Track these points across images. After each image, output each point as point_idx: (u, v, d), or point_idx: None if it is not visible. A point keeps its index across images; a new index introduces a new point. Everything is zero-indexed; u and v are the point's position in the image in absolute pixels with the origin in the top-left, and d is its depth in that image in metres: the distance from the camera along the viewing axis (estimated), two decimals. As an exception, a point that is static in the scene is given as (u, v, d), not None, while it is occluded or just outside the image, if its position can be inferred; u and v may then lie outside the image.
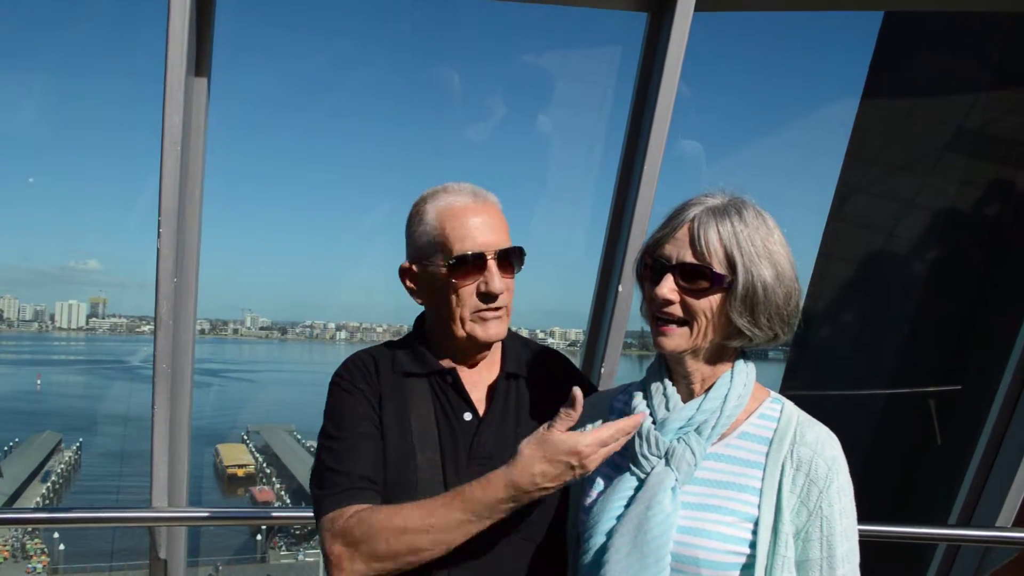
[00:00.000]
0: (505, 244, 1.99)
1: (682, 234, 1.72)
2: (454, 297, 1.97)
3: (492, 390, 2.04)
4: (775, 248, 1.72)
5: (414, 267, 2.04)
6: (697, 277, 1.70)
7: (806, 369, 6.60)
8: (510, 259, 2.00)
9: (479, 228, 1.96)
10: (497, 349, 2.10)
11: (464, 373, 2.04)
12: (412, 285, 2.07)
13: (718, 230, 1.69)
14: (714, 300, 1.70)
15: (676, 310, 1.72)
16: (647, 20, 3.69)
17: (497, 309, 1.98)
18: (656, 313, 1.75)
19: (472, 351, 2.04)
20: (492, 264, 1.95)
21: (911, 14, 6.10)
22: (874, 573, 1.75)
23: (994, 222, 5.83)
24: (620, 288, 3.74)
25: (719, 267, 1.69)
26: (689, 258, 1.70)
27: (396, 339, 2.16)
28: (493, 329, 1.98)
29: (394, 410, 1.98)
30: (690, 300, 1.71)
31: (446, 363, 2.04)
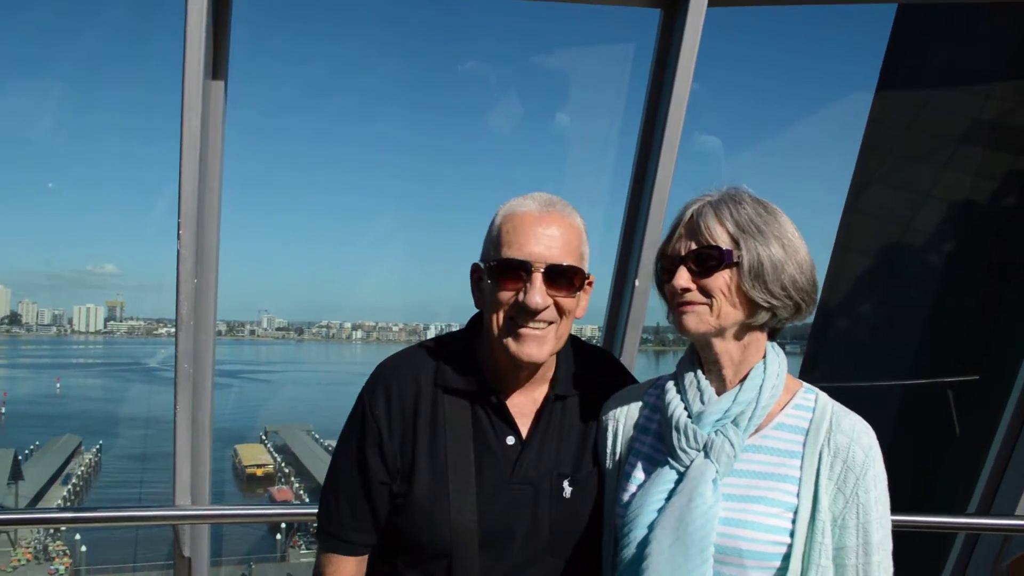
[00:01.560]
0: (560, 260, 1.83)
1: (684, 229, 1.79)
2: (494, 303, 1.85)
3: (539, 412, 1.94)
4: (778, 225, 1.75)
5: (479, 267, 1.94)
6: (705, 259, 1.74)
7: (824, 361, 6.61)
8: (563, 277, 1.83)
9: (534, 237, 1.82)
10: (550, 365, 1.96)
11: (510, 393, 1.95)
12: (475, 287, 1.97)
13: (716, 215, 1.75)
14: (727, 277, 1.73)
15: (695, 296, 1.75)
16: (660, 17, 3.70)
17: (536, 327, 1.83)
18: (677, 302, 1.78)
19: (510, 368, 1.91)
20: (536, 277, 1.80)
21: (924, 6, 6.09)
22: (895, 562, 1.76)
23: (1011, 213, 5.81)
24: (636, 283, 3.75)
25: (724, 245, 1.73)
26: (694, 246, 1.75)
27: (447, 339, 2.05)
28: (528, 347, 1.83)
29: (428, 434, 1.91)
30: (704, 282, 1.74)
31: (492, 381, 1.93)
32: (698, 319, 1.76)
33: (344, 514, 1.96)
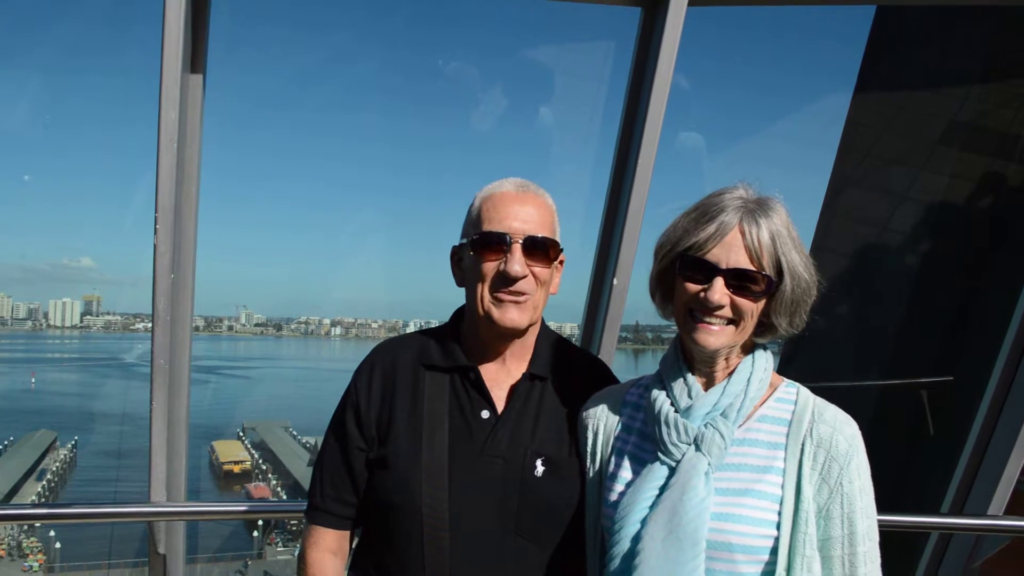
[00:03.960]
0: (536, 232, 1.99)
1: (733, 239, 1.73)
2: (477, 274, 1.99)
3: (514, 389, 2.03)
4: (800, 245, 1.77)
5: (459, 248, 2.09)
6: (751, 282, 1.73)
7: (800, 361, 6.64)
8: (540, 248, 1.99)
9: (512, 214, 1.98)
10: (529, 348, 2.09)
11: (488, 370, 2.04)
12: (455, 267, 2.11)
13: (770, 234, 1.73)
14: (761, 302, 1.75)
15: (727, 312, 1.74)
16: (640, 16, 3.70)
17: (517, 295, 1.97)
18: (702, 314, 1.76)
19: (493, 337, 2.04)
20: (516, 248, 1.96)
21: (903, 8, 6.12)
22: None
23: (986, 214, 5.86)
24: (615, 282, 3.75)
25: (771, 271, 1.73)
26: (744, 264, 1.72)
27: (436, 327, 2.19)
28: (509, 314, 1.97)
29: (407, 407, 2.01)
30: (740, 302, 1.74)
31: (472, 359, 2.05)
32: (722, 340, 1.76)
33: (325, 484, 2.07)
